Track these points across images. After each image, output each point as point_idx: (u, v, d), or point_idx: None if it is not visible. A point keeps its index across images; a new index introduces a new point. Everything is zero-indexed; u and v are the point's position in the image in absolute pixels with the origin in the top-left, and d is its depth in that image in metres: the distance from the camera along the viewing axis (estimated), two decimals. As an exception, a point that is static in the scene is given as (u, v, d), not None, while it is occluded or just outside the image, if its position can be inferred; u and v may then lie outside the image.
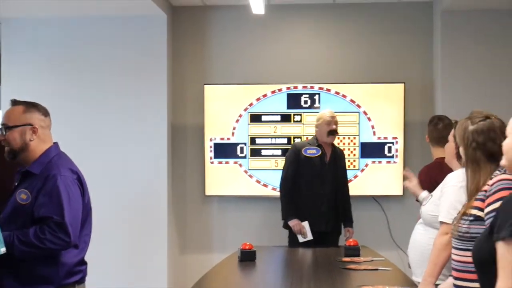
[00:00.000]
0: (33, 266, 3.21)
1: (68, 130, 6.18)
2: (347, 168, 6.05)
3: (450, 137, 3.69)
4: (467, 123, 2.95)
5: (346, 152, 6.54)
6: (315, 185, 5.66)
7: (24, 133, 3.33)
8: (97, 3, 6.05)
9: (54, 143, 3.43)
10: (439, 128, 4.88)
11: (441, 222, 3.41)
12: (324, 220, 5.65)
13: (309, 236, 5.57)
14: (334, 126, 5.70)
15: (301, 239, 5.59)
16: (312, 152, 5.70)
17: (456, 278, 2.86)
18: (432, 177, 4.57)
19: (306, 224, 5.59)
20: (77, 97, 6.51)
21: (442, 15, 6.38)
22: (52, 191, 3.18)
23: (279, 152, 6.59)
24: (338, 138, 6.50)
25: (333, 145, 5.85)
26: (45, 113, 3.42)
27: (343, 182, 5.89)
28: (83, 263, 3.40)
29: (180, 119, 6.76)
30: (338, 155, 5.84)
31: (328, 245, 5.49)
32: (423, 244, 3.65)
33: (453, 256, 2.92)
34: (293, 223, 5.61)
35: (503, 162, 2.85)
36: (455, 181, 3.45)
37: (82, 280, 3.40)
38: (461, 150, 2.98)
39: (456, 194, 3.39)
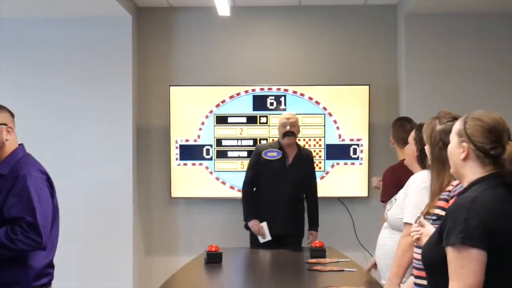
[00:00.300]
0: (1, 268, 3.17)
1: (31, 131, 6.11)
2: (315, 170, 6.00)
3: (411, 140, 3.72)
4: (434, 122, 2.98)
5: (311, 154, 6.58)
6: (273, 188, 5.63)
7: (1, 132, 3.30)
8: (61, 3, 5.99)
9: (19, 144, 3.40)
10: (407, 129, 4.90)
11: (405, 223, 3.45)
12: (281, 223, 5.63)
13: (268, 237, 5.58)
14: (288, 128, 5.63)
15: (261, 239, 5.61)
16: (273, 154, 5.68)
17: (416, 277, 2.88)
18: (397, 178, 4.61)
19: (264, 224, 5.60)
20: (42, 98, 6.44)
21: (406, 18, 6.45)
22: (22, 192, 3.15)
23: (245, 153, 6.59)
24: (304, 140, 6.54)
25: (299, 147, 5.81)
26: (12, 114, 3.40)
27: (310, 185, 5.85)
28: (51, 266, 3.37)
29: (146, 121, 6.73)
30: (303, 158, 5.77)
31: (288, 247, 5.44)
32: (390, 248, 3.66)
33: (415, 255, 2.95)
34: (251, 224, 5.64)
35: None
36: (418, 182, 3.50)
37: (49, 283, 3.37)
38: (427, 149, 3.01)
39: (419, 195, 3.43)
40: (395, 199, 3.73)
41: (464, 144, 2.30)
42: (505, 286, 2.17)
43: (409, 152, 3.74)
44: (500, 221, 2.15)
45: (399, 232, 3.57)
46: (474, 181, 2.27)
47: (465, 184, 2.32)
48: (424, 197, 3.40)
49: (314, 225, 5.81)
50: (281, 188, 5.63)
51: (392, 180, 4.68)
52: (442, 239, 2.19)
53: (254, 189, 5.77)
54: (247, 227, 5.75)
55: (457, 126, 2.36)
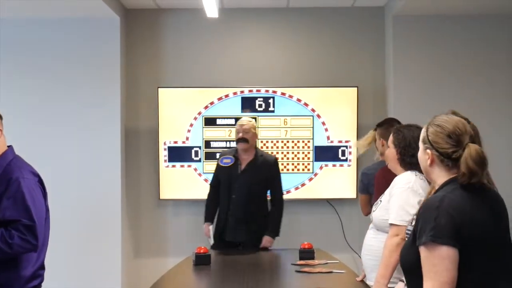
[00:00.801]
0: None
1: (19, 133, 6.07)
2: (280, 177, 5.74)
3: (390, 143, 3.72)
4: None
5: (300, 156, 6.59)
6: (226, 195, 5.60)
7: None
8: (50, 4, 5.98)
9: (8, 146, 3.38)
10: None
11: (391, 224, 3.46)
12: (232, 230, 5.56)
13: (211, 241, 5.58)
14: (240, 135, 5.55)
15: (210, 241, 5.62)
16: (226, 161, 5.66)
17: None
18: (389, 180, 4.61)
19: (211, 227, 5.64)
20: (29, 99, 6.42)
21: (394, 20, 6.48)
22: (17, 194, 3.14)
23: (233, 155, 6.58)
24: (293, 141, 6.55)
25: (257, 154, 5.64)
26: (0, 116, 3.38)
27: (273, 192, 5.69)
28: (42, 267, 3.36)
29: (134, 122, 6.71)
30: (258, 164, 5.59)
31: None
32: (376, 248, 3.67)
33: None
34: (204, 226, 5.70)
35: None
36: (403, 183, 3.52)
37: (39, 286, 3.35)
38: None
39: (404, 196, 3.46)
40: (380, 201, 3.74)
41: (428, 150, 2.38)
42: (477, 282, 2.22)
43: (390, 156, 3.75)
44: (469, 217, 2.21)
45: (385, 233, 3.58)
46: (444, 182, 2.34)
47: (437, 187, 2.39)
48: (409, 198, 3.43)
49: (271, 232, 5.56)
50: (232, 194, 5.57)
51: (385, 182, 4.68)
52: (415, 240, 2.25)
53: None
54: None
55: (422, 133, 2.45)
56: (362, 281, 3.92)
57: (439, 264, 2.16)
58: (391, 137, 3.71)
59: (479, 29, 6.54)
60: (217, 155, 5.97)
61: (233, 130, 6.55)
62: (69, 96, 6.44)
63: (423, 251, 2.20)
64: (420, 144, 2.45)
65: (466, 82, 6.50)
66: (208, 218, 5.69)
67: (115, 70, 6.46)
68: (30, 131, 6.37)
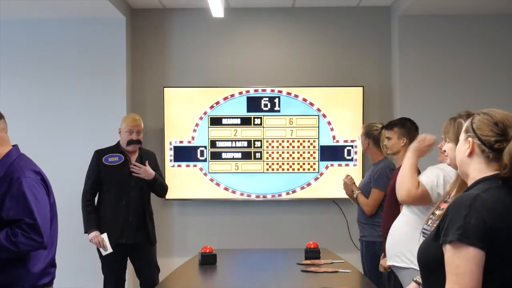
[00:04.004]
0: (3, 269, 3.17)
1: (26, 133, 6.12)
2: (159, 169, 5.65)
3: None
4: (460, 121, 2.90)
5: (305, 155, 6.59)
6: (117, 195, 5.26)
7: None
8: (56, 5, 5.99)
9: (13, 145, 3.39)
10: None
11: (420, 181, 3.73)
12: (133, 231, 5.28)
13: (109, 249, 5.22)
14: (134, 136, 5.30)
15: (103, 252, 5.25)
16: (114, 159, 5.32)
17: None
18: None
19: (105, 236, 5.22)
20: (36, 99, 6.45)
21: (400, 20, 6.47)
22: (19, 194, 3.15)
23: (239, 155, 6.60)
24: (298, 141, 6.56)
25: (140, 149, 5.45)
26: (2, 115, 3.38)
27: (151, 185, 5.43)
28: (52, 265, 3.37)
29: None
30: (145, 159, 5.39)
31: (143, 257, 5.29)
32: (396, 228, 3.86)
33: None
34: (92, 236, 5.23)
35: (447, 161, 2.96)
36: (436, 166, 3.77)
37: (50, 283, 3.36)
38: (451, 147, 2.93)
39: (434, 170, 3.73)
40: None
41: (470, 139, 2.26)
42: None
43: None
44: (500, 221, 2.09)
45: (410, 214, 3.80)
46: (478, 180, 2.22)
47: (469, 183, 2.27)
48: (440, 177, 3.68)
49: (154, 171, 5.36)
50: (126, 194, 5.27)
51: None
52: (439, 236, 2.14)
53: (97, 198, 5.40)
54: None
55: (466, 122, 2.33)
56: (376, 277, 4.02)
57: (463, 266, 2.04)
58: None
59: (486, 29, 6.53)
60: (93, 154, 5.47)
61: (239, 129, 6.58)
62: (75, 96, 6.46)
63: (448, 250, 2.08)
64: (462, 135, 2.31)
65: (472, 82, 6.50)
66: (94, 226, 5.25)
67: (121, 70, 6.47)
68: (35, 130, 6.39)
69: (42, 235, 3.16)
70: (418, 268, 3.35)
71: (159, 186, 5.44)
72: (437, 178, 3.67)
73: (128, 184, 5.27)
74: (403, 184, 3.73)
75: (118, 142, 5.42)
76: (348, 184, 5.37)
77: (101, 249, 5.25)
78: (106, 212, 5.30)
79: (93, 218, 5.29)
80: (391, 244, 3.91)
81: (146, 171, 5.29)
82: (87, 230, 5.31)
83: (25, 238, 3.12)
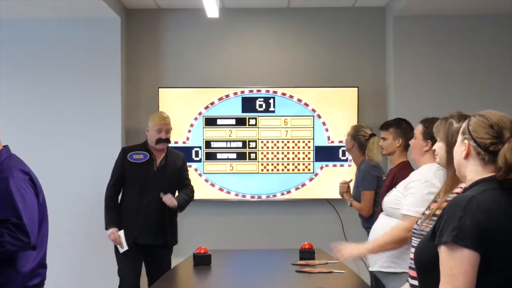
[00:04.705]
0: None
1: (20, 133, 6.12)
2: (187, 167, 5.53)
3: (419, 135, 3.70)
4: (451, 121, 2.91)
5: (300, 156, 6.60)
6: (139, 193, 5.16)
7: None
8: (50, 4, 5.98)
9: (4, 146, 3.38)
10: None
11: (404, 215, 3.48)
12: (151, 232, 5.18)
13: (125, 247, 5.14)
14: (163, 135, 5.22)
15: (120, 249, 5.19)
16: (139, 157, 5.23)
17: (413, 278, 2.87)
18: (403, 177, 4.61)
19: (121, 233, 5.15)
20: (30, 99, 6.44)
21: (395, 20, 6.48)
22: (5, 194, 3.14)
23: (234, 155, 6.59)
24: (293, 142, 6.56)
25: (168, 148, 5.35)
26: None
27: (184, 184, 5.39)
28: (42, 266, 3.36)
29: (134, 123, 6.71)
30: (172, 160, 5.31)
31: (158, 261, 5.16)
32: (381, 232, 3.69)
33: (410, 255, 2.94)
34: (109, 232, 5.17)
35: (436, 159, 2.93)
36: (420, 176, 3.55)
37: (41, 284, 3.35)
38: (441, 147, 2.95)
39: (420, 189, 3.49)
40: (395, 188, 3.76)
41: (466, 141, 2.26)
42: None
43: (417, 147, 3.73)
44: (497, 222, 2.09)
45: (394, 219, 3.62)
46: (475, 181, 2.22)
47: (467, 184, 2.27)
48: (424, 191, 3.46)
49: (178, 198, 5.28)
50: (149, 193, 5.16)
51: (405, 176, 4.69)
52: (434, 237, 2.13)
53: (121, 195, 5.34)
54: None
55: (463, 124, 2.32)
56: (360, 277, 3.94)
57: (457, 267, 2.04)
58: (421, 129, 3.69)
59: (481, 30, 6.54)
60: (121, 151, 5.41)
61: (234, 130, 6.58)
62: (69, 96, 6.45)
63: (442, 251, 2.08)
64: (459, 136, 2.31)
65: (467, 82, 6.51)
66: (113, 223, 5.18)
67: (115, 70, 6.46)
68: (30, 131, 6.37)
69: (29, 235, 3.14)
70: (405, 271, 3.37)
71: (185, 206, 5.37)
72: (418, 199, 3.47)
73: (151, 183, 5.17)
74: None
75: (146, 140, 5.33)
76: (341, 192, 5.46)
77: (118, 247, 5.19)
78: (127, 210, 5.22)
79: (113, 215, 5.21)
80: None
81: (171, 200, 5.18)
82: (106, 226, 5.24)
83: (12, 238, 3.10)
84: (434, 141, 3.44)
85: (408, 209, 3.48)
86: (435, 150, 2.98)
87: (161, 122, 5.25)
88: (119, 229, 5.16)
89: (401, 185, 3.69)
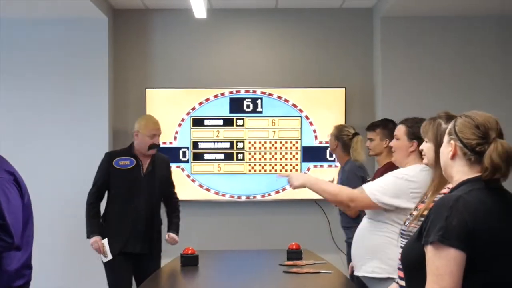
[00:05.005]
0: None
1: (6, 133, 6.10)
2: (171, 174, 5.38)
3: (403, 136, 3.64)
4: (439, 122, 2.90)
5: (288, 156, 6.60)
6: (126, 200, 4.94)
7: None
8: (37, 5, 5.96)
9: None
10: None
11: (361, 188, 3.48)
12: (139, 239, 4.96)
13: (109, 256, 4.91)
14: (157, 140, 5.03)
15: (103, 259, 4.96)
16: (125, 163, 5.00)
17: (402, 279, 2.87)
18: None
19: (105, 242, 4.92)
20: (16, 100, 6.41)
21: (382, 21, 6.50)
22: None
23: (221, 156, 6.59)
24: (281, 142, 6.56)
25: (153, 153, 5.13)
26: None
27: (170, 192, 5.26)
28: (27, 266, 3.33)
29: (122, 123, 6.69)
30: (158, 165, 5.11)
31: (147, 270, 4.78)
32: (368, 239, 3.63)
33: (399, 255, 2.93)
34: (92, 240, 4.92)
35: (424, 160, 2.90)
36: (399, 172, 3.50)
37: (26, 285, 3.33)
38: (429, 148, 2.93)
39: (391, 181, 3.44)
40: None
41: (452, 142, 2.27)
42: None
43: (401, 148, 3.69)
44: (483, 222, 2.10)
45: (375, 222, 3.54)
46: (462, 182, 2.23)
47: (454, 185, 2.28)
48: (396, 186, 3.41)
49: (174, 229, 5.23)
50: (136, 200, 4.95)
51: None
52: (421, 237, 2.15)
53: (106, 202, 5.13)
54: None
55: (450, 125, 2.34)
56: (352, 276, 3.92)
57: (443, 267, 2.05)
58: (404, 129, 3.64)
59: (467, 31, 6.57)
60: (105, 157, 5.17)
61: (221, 130, 6.57)
62: (57, 97, 6.42)
63: (429, 250, 2.09)
64: (445, 137, 2.32)
65: (454, 83, 6.54)
66: (96, 231, 4.94)
67: (103, 70, 6.45)
68: (17, 130, 6.35)
69: (12, 236, 3.12)
70: (392, 276, 3.37)
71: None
72: (384, 188, 3.44)
73: (138, 189, 4.95)
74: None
75: (131, 145, 5.10)
76: None
77: (101, 256, 4.96)
78: (113, 218, 4.99)
79: (96, 223, 4.97)
80: (361, 253, 3.71)
81: (176, 239, 5.18)
82: (88, 235, 4.97)
83: None
84: (419, 141, 3.46)
85: (369, 187, 3.47)
86: (422, 150, 2.97)
87: (155, 127, 5.06)
88: (102, 238, 4.94)
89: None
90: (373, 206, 3.45)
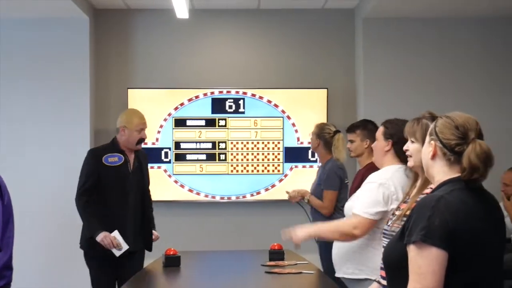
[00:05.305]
0: None
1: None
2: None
3: (380, 136, 3.66)
4: (426, 122, 2.88)
5: (270, 157, 6.61)
6: (118, 198, 4.76)
7: None
8: (18, 4, 5.92)
9: None
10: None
11: (354, 214, 3.48)
12: (135, 237, 4.83)
13: (125, 246, 4.69)
14: (144, 134, 4.88)
15: (117, 252, 4.68)
16: (114, 160, 4.80)
17: (384, 278, 2.88)
18: None
19: (116, 233, 4.67)
20: (-4, 100, 6.36)
21: (364, 22, 6.52)
22: None
23: (204, 157, 6.58)
24: (263, 143, 6.57)
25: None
26: None
27: (147, 188, 5.07)
28: (8, 268, 3.31)
29: (103, 124, 6.66)
30: (142, 160, 4.98)
31: (132, 267, 4.70)
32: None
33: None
34: (101, 237, 4.63)
35: (410, 163, 2.88)
36: (375, 179, 3.51)
37: (7, 286, 3.30)
38: (416, 148, 2.90)
39: (373, 191, 3.45)
40: (354, 194, 3.76)
41: (432, 142, 2.28)
42: None
43: (378, 149, 3.70)
44: (464, 222, 2.12)
45: None
46: (443, 182, 2.25)
47: (435, 185, 2.30)
48: (377, 194, 3.42)
49: (153, 225, 5.10)
50: (128, 197, 4.79)
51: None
52: (403, 237, 2.16)
53: (96, 201, 4.82)
54: (87, 245, 4.81)
55: (431, 125, 2.35)
56: (332, 278, 3.93)
57: (425, 266, 2.07)
58: (382, 130, 3.65)
59: (449, 32, 6.62)
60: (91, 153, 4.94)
61: (204, 131, 6.56)
62: (38, 97, 6.39)
63: (411, 250, 2.10)
64: (427, 137, 2.33)
65: (435, 83, 6.58)
66: (101, 227, 4.67)
67: (84, 70, 6.42)
68: (-3, 132, 6.31)
69: None
70: (370, 278, 3.38)
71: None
72: (370, 201, 3.43)
73: (129, 186, 4.80)
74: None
75: (113, 140, 4.90)
76: (294, 196, 5.42)
77: (114, 250, 4.66)
78: (108, 217, 4.73)
79: (97, 220, 4.70)
80: (340, 255, 3.74)
81: (157, 236, 5.07)
82: (93, 233, 4.68)
83: None
84: (394, 140, 3.48)
85: (359, 209, 3.47)
86: (406, 150, 2.95)
87: (142, 121, 4.91)
88: (110, 232, 4.67)
89: (359, 191, 3.69)
90: (373, 223, 3.44)
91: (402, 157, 3.46)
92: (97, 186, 4.76)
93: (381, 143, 3.61)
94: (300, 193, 5.40)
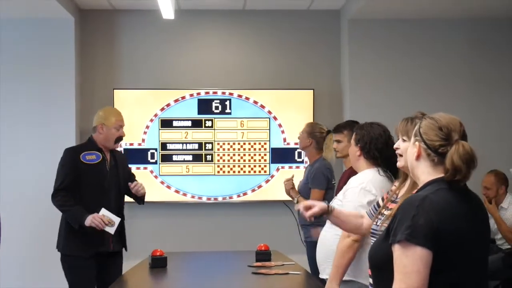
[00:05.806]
0: None
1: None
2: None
3: (352, 141, 3.70)
4: (417, 121, 2.88)
5: (256, 158, 6.61)
6: (96, 197, 4.63)
7: None
8: (2, 4, 5.88)
9: None
10: None
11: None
12: (113, 239, 4.72)
13: (116, 220, 4.59)
14: (122, 132, 4.81)
15: (111, 230, 4.57)
16: (91, 158, 4.70)
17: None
18: None
19: (103, 211, 4.55)
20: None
21: (349, 23, 6.54)
22: None
23: (190, 157, 6.58)
24: (249, 143, 6.57)
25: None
26: None
27: (132, 181, 4.92)
28: None
29: (89, 125, 6.59)
30: (118, 159, 4.87)
31: (111, 268, 4.67)
32: (328, 240, 3.68)
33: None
34: (89, 220, 4.49)
35: (401, 163, 2.87)
36: (356, 183, 3.53)
37: None
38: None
39: (356, 197, 3.47)
40: (336, 196, 3.77)
41: (417, 143, 2.29)
42: None
43: (351, 153, 3.73)
44: (449, 222, 2.13)
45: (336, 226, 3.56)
46: (428, 182, 2.25)
47: (420, 185, 2.30)
48: (360, 198, 3.44)
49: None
50: (107, 196, 4.69)
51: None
52: (389, 237, 2.16)
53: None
54: (64, 245, 4.69)
55: (416, 126, 2.36)
56: (318, 279, 3.94)
57: (410, 265, 2.07)
58: (353, 136, 3.69)
59: (434, 33, 6.65)
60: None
61: (190, 132, 6.56)
62: (23, 98, 6.36)
63: (396, 249, 2.11)
64: (412, 138, 2.34)
65: (421, 84, 6.61)
66: (86, 212, 4.54)
67: (69, 71, 6.39)
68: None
69: None
70: (354, 279, 3.39)
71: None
72: (356, 207, 3.41)
73: (107, 185, 4.70)
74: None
75: (90, 139, 4.82)
76: (287, 189, 5.40)
77: (107, 228, 4.53)
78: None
79: (79, 208, 4.55)
80: (324, 256, 3.74)
81: (143, 187, 4.87)
82: (80, 220, 4.52)
83: None
84: (361, 145, 3.55)
85: (351, 207, 3.47)
86: (397, 149, 2.93)
87: (120, 118, 4.83)
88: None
89: (341, 193, 3.70)
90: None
91: (372, 160, 3.56)
92: (75, 185, 4.63)
93: (352, 148, 3.68)
94: (292, 191, 5.37)
